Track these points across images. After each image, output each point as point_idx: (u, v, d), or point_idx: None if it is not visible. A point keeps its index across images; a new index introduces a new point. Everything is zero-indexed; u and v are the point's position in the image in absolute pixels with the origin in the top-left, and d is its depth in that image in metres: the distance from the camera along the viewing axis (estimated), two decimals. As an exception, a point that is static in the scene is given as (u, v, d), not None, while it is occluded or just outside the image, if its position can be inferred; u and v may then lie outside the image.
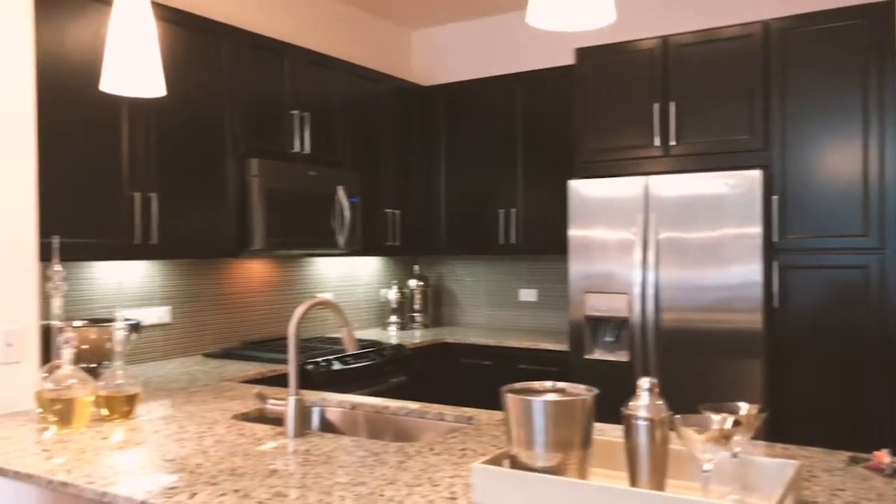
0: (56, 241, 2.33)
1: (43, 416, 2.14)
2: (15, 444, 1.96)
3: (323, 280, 4.41)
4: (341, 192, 3.88)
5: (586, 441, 1.42)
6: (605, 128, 3.86)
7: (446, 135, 4.69)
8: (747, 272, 3.35)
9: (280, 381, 3.13)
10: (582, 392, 1.47)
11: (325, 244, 3.81)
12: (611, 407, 2.05)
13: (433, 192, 4.72)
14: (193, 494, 1.53)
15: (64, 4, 2.75)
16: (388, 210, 4.41)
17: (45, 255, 2.47)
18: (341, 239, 3.89)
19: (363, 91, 4.23)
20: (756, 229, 3.33)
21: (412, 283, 4.82)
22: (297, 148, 3.76)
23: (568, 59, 4.23)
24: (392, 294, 4.73)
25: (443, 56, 5.08)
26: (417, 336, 4.37)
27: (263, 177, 3.46)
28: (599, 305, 3.69)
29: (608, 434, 1.91)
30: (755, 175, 3.34)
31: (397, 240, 4.48)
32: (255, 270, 3.98)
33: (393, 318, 4.72)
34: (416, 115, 4.66)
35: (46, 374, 2.16)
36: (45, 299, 2.56)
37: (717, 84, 3.59)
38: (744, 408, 1.43)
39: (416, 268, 4.97)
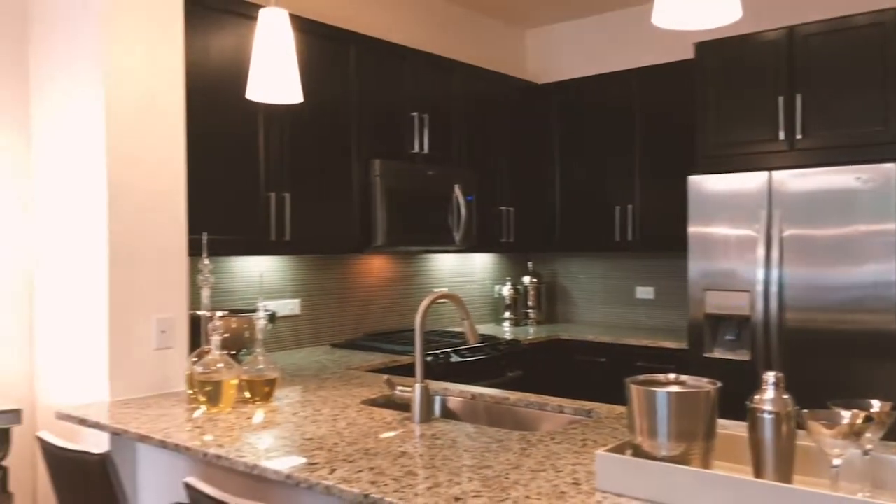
0: (205, 237, 2.55)
1: (193, 397, 2.35)
2: (171, 421, 2.17)
3: (439, 276, 4.54)
4: (458, 191, 3.98)
5: (710, 433, 1.45)
6: (726, 122, 3.78)
7: (561, 132, 4.71)
8: (881, 271, 3.20)
9: (401, 371, 3.27)
10: (705, 385, 1.49)
11: (442, 241, 3.93)
12: (731, 406, 2.04)
13: (548, 190, 4.76)
14: (333, 470, 1.66)
15: (209, 19, 2.98)
16: (503, 207, 4.49)
17: (193, 251, 2.69)
18: (457, 236, 3.99)
19: (479, 91, 4.32)
20: (891, 225, 3.18)
21: (526, 279, 4.87)
22: (416, 148, 3.89)
23: (685, 53, 4.17)
24: (506, 290, 4.81)
25: (557, 54, 5.10)
26: (531, 332, 4.43)
27: (385, 177, 3.61)
28: (720, 303, 3.62)
29: (731, 429, 1.91)
30: (890, 168, 3.19)
31: (512, 237, 4.55)
32: (376, 266, 4.15)
33: (507, 315, 4.80)
34: (531, 113, 4.71)
35: (196, 359, 2.37)
36: (194, 291, 2.80)
37: (848, 74, 3.45)
38: (876, 405, 1.41)
39: (530, 264, 5.03)
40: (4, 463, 2.40)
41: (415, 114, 3.89)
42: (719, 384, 1.48)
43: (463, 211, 3.99)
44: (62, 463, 1.85)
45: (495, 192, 4.44)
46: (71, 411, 2.31)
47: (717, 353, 3.67)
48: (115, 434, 2.15)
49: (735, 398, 1.94)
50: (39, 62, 2.73)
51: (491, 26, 4.97)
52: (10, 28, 2.73)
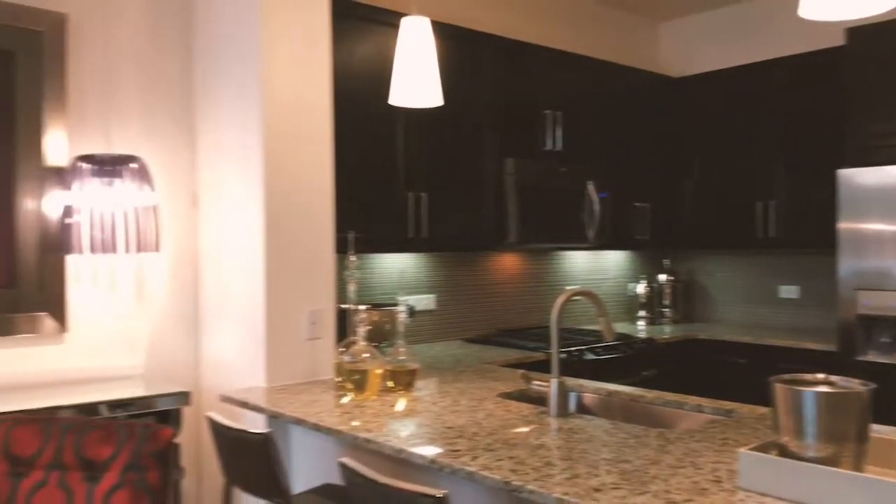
0: (351, 235, 2.70)
1: (341, 384, 2.51)
2: (322, 406, 2.33)
3: (571, 273, 4.54)
4: (591, 188, 3.97)
5: (862, 436, 1.40)
6: (880, 112, 3.56)
7: (697, 125, 4.59)
8: None
9: (535, 367, 3.31)
10: (856, 386, 1.45)
11: (575, 238, 3.94)
12: (888, 411, 1.95)
13: (684, 185, 4.64)
14: (475, 457, 1.74)
15: (354, 29, 3.14)
16: (637, 204, 4.43)
17: (340, 248, 2.86)
18: (591, 233, 3.98)
19: (612, 86, 4.29)
20: None
21: (662, 277, 4.78)
22: (549, 146, 3.92)
23: (830, 41, 3.94)
24: (641, 288, 4.74)
25: (691, 46, 4.96)
26: (667, 331, 4.34)
27: (518, 175, 3.67)
28: (874, 304, 3.41)
29: (888, 435, 1.83)
30: None
31: (647, 234, 4.48)
32: (508, 263, 4.22)
33: (641, 313, 4.72)
34: (666, 108, 4.61)
35: (344, 349, 2.53)
36: (340, 286, 2.97)
37: None
38: None
39: (666, 262, 4.92)
40: (177, 440, 2.65)
41: (547, 111, 3.91)
42: (873, 385, 1.43)
43: (596, 208, 3.98)
44: (228, 440, 2.04)
45: (629, 188, 4.39)
46: (234, 395, 2.52)
47: (871, 357, 3.46)
48: (273, 416, 2.34)
49: (893, 403, 1.85)
50: (203, 71, 2.99)
51: (623, 20, 4.90)
52: (177, 43, 3.00)
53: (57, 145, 2.70)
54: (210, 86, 2.95)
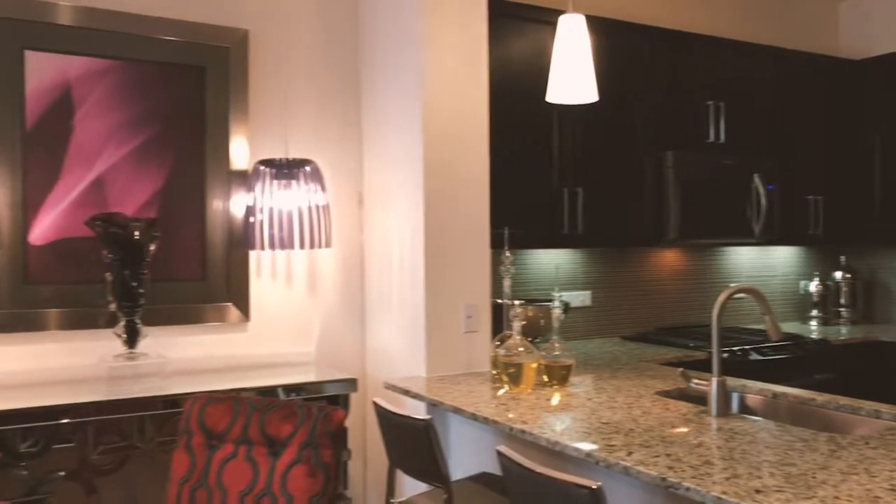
0: (506, 231, 2.76)
1: (497, 377, 2.58)
2: (479, 397, 2.40)
3: (735, 270, 4.35)
4: (757, 180, 3.79)
5: None
6: None
7: (881, 110, 4.23)
8: None
9: (695, 366, 3.21)
10: None
11: (740, 233, 3.77)
12: None
13: (865, 176, 4.30)
14: (630, 453, 1.74)
15: (511, 27, 3.20)
16: (810, 196, 4.16)
17: (495, 243, 2.93)
18: (757, 228, 3.80)
19: (781, 72, 4.06)
20: None
21: (838, 274, 4.46)
22: (711, 138, 3.78)
23: None
24: (814, 286, 4.45)
25: (874, 26, 4.58)
26: (844, 332, 4.05)
27: (678, 168, 3.57)
28: None
29: None
30: None
31: (820, 228, 4.20)
32: (667, 259, 4.11)
33: (814, 313, 4.44)
34: (844, 93, 4.30)
35: (499, 343, 2.59)
36: (495, 281, 3.04)
37: None
38: None
39: (843, 258, 4.58)
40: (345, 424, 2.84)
41: (710, 102, 3.77)
42: None
43: (763, 201, 3.79)
44: (392, 425, 2.16)
45: (801, 180, 4.13)
46: (397, 383, 2.66)
47: None
48: (432, 404, 2.45)
49: None
50: (369, 79, 3.16)
51: (796, 2, 4.62)
52: (345, 54, 3.19)
53: (240, 151, 2.97)
54: (375, 92, 3.12)
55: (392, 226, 3.00)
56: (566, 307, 3.12)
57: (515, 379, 2.49)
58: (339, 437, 1.66)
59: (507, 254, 2.71)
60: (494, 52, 3.10)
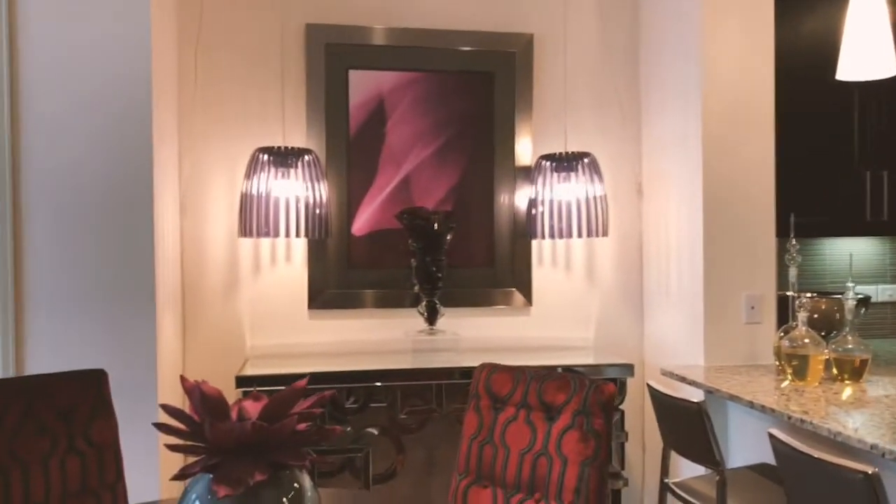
0: (792, 218, 2.65)
1: (780, 368, 2.50)
2: (758, 387, 2.36)
3: None
4: None
5: None
6: None
7: None
8: None
9: None
10: None
11: None
12: None
13: None
14: (924, 449, 1.63)
15: (799, 3, 3.04)
16: None
17: (781, 232, 2.81)
18: None
19: None
20: None
21: None
22: None
23: None
24: None
25: None
26: None
27: None
28: None
29: None
30: None
31: None
32: None
33: None
34: None
35: (783, 334, 2.51)
36: (782, 272, 2.92)
37: None
38: None
39: None
40: (621, 407, 2.94)
41: None
42: None
43: None
44: (666, 407, 2.22)
45: None
46: (673, 370, 2.70)
47: None
48: (709, 392, 2.45)
49: None
50: (647, 68, 3.22)
51: None
52: (624, 44, 3.28)
53: (524, 148, 3.20)
54: (653, 81, 3.17)
55: (671, 213, 3.02)
56: (866, 301, 2.89)
57: (800, 372, 2.40)
58: (608, 408, 1.78)
59: (793, 241, 2.60)
60: (781, 30, 2.97)
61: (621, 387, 2.86)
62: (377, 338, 3.11)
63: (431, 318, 3.02)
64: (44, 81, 2.31)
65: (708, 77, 2.77)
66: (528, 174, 3.17)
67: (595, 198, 3.04)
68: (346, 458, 2.75)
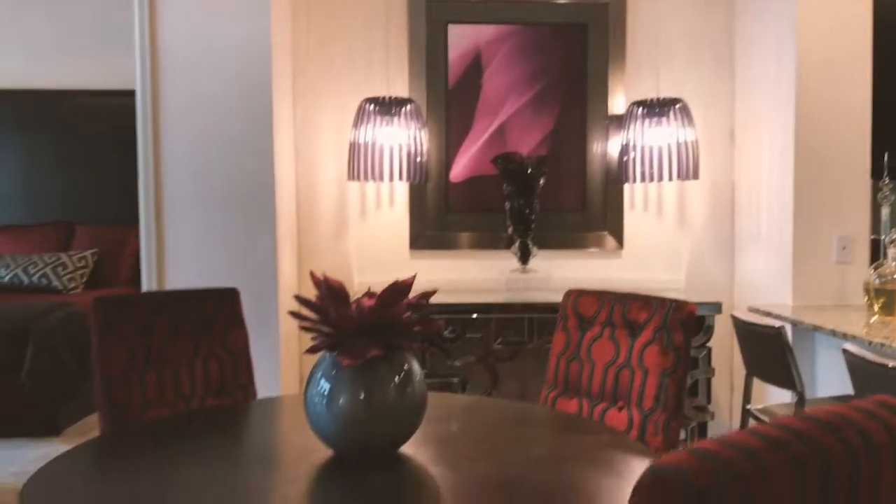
0: (885, 157, 2.66)
1: (868, 304, 2.54)
2: (842, 320, 2.42)
3: None
4: None
5: None
6: None
7: None
8: None
9: None
10: None
11: None
12: None
13: None
14: None
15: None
16: None
17: (875, 174, 2.82)
18: None
19: None
20: None
21: None
22: None
23: None
24: None
25: None
26: None
27: None
28: None
29: None
30: None
31: None
32: None
33: None
34: None
35: (873, 270, 2.54)
36: (876, 212, 2.92)
37: None
38: None
39: None
40: (709, 344, 3.03)
41: None
42: None
43: None
44: (747, 333, 2.33)
45: None
46: (760, 306, 2.78)
47: None
48: (794, 325, 2.53)
49: None
50: (742, 10, 3.24)
51: None
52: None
53: (617, 96, 3.30)
54: (747, 23, 3.19)
55: (763, 156, 3.07)
56: (966, 243, 2.85)
57: (888, 307, 2.44)
58: (688, 324, 1.91)
59: (886, 180, 2.61)
60: (883, -29, 2.93)
61: (709, 326, 2.95)
62: (473, 277, 3.32)
63: (524, 257, 3.19)
64: (182, 37, 2.62)
65: (803, 17, 2.79)
66: (621, 122, 3.27)
67: (686, 142, 3.12)
68: (445, 383, 2.99)
